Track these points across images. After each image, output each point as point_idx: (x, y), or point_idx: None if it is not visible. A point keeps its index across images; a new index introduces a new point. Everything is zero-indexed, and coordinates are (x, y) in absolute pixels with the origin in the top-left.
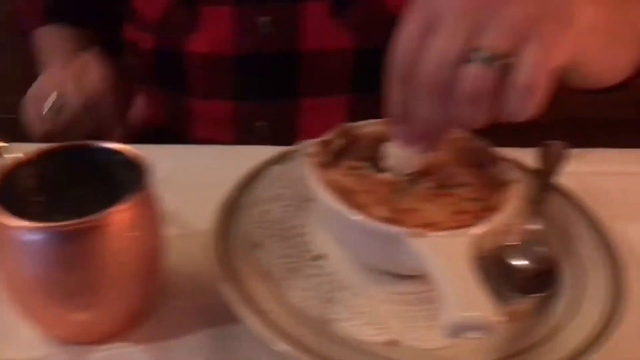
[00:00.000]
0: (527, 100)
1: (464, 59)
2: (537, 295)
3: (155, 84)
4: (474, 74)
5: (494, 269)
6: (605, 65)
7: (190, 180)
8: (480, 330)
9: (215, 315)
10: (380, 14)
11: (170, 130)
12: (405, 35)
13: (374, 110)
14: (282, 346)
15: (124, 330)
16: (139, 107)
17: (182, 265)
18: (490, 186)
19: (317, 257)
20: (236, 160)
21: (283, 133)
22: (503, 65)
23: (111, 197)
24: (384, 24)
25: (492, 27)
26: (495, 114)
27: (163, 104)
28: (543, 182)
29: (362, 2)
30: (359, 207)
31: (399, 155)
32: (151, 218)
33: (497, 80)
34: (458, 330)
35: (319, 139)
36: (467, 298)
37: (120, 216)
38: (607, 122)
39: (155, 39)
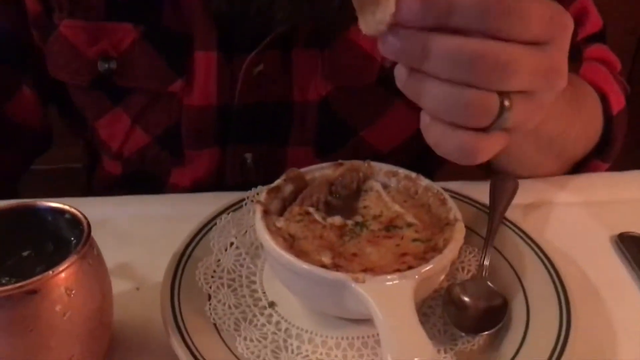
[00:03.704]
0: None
1: None
2: (487, 332)
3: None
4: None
5: (443, 307)
6: (526, 167)
7: (148, 231)
8: None
9: None
10: (368, 151)
11: None
12: None
13: None
14: None
15: None
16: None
17: (135, 320)
18: (435, 226)
19: (269, 305)
20: (194, 209)
21: None
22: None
23: (54, 258)
24: (371, 158)
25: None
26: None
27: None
28: (494, 215)
29: (349, 146)
30: (303, 253)
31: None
32: (94, 277)
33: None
34: None
35: (268, 186)
36: (406, 343)
37: (58, 278)
38: None
39: (128, 168)
